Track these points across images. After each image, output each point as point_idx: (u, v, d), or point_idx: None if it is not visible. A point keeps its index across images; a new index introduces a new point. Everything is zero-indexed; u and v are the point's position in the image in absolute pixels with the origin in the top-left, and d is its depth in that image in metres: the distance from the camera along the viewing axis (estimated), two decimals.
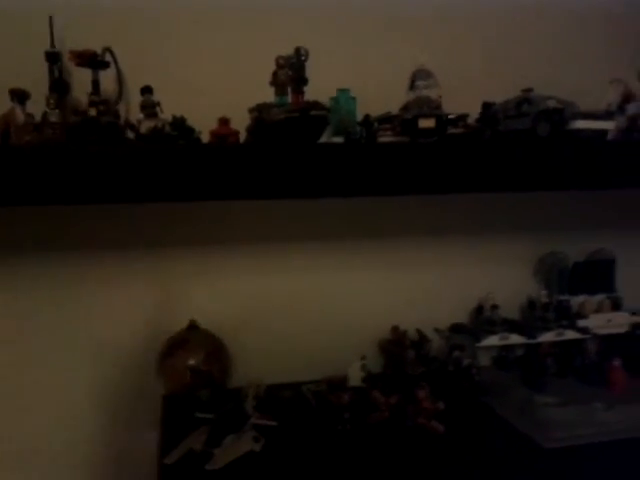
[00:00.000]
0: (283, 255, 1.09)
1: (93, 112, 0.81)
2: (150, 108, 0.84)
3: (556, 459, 0.82)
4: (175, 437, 0.85)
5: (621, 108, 0.97)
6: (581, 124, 0.84)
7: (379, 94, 0.95)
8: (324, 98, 1.00)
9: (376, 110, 0.95)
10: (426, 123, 0.81)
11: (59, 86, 0.87)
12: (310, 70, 0.86)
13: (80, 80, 0.92)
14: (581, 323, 1.09)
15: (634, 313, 1.11)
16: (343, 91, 1.01)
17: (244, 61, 1.03)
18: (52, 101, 0.78)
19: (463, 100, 0.98)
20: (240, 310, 1.08)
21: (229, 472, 0.77)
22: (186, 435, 0.84)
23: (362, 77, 1.05)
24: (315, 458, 0.81)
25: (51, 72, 0.89)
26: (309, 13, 1.06)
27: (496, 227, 1.18)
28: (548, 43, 1.18)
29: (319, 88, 0.93)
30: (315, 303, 1.12)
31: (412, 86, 0.89)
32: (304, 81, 0.82)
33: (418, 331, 1.09)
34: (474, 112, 0.97)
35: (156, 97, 0.88)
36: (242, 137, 0.93)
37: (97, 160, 0.72)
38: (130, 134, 0.85)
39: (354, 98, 1.01)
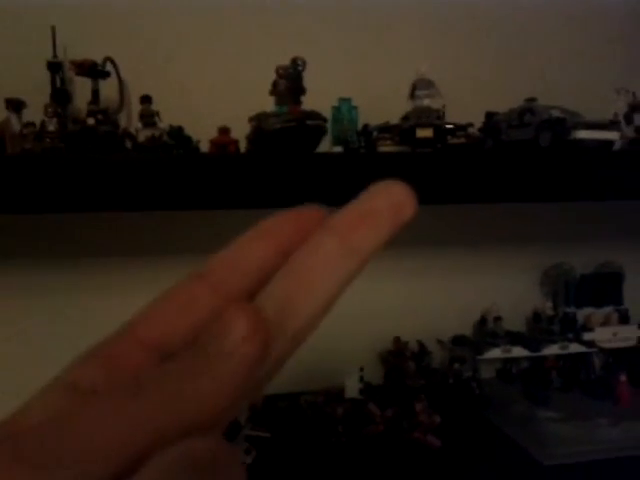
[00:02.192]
0: None
1: (91, 121, 0.82)
2: (149, 117, 0.85)
3: (556, 476, 0.80)
4: None
5: (628, 118, 0.96)
6: (584, 134, 0.82)
7: (382, 104, 0.94)
8: (326, 107, 1.00)
9: (379, 120, 0.94)
10: (423, 133, 0.80)
11: (60, 95, 0.88)
12: (311, 79, 0.86)
13: (84, 89, 0.93)
14: (587, 336, 1.07)
15: None
16: (345, 100, 1.01)
17: (247, 70, 1.03)
18: (50, 110, 0.78)
19: (471, 110, 0.98)
20: None
21: None
22: None
23: (364, 86, 1.05)
24: (307, 471, 0.81)
25: (53, 81, 0.90)
26: (311, 21, 1.06)
27: (502, 238, 1.17)
28: (561, 50, 1.16)
29: (320, 97, 0.93)
30: None
31: (412, 95, 0.88)
32: (301, 91, 0.82)
33: (418, 342, 1.08)
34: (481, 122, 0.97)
35: (157, 106, 0.89)
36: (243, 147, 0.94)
37: (91, 169, 0.73)
38: (129, 143, 0.86)
39: (356, 107, 1.01)
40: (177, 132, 0.84)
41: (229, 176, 0.79)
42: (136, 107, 0.94)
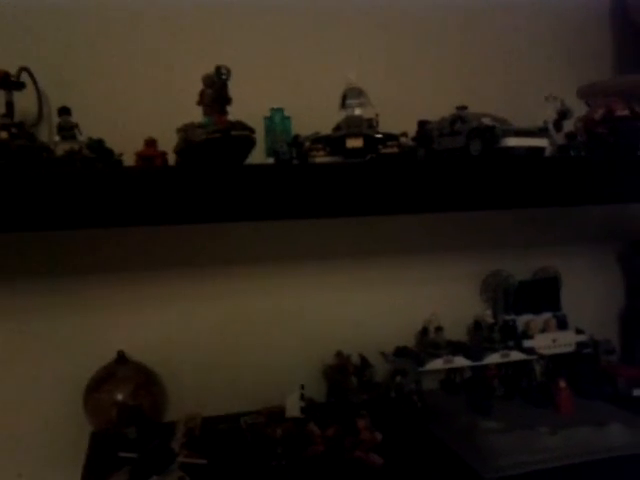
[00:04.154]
0: (215, 281, 1.05)
1: (4, 135, 0.77)
2: (68, 130, 0.80)
3: None
4: (95, 479, 0.79)
5: (557, 125, 0.96)
6: (513, 141, 0.82)
7: (318, 113, 0.92)
8: (259, 118, 0.98)
9: (314, 130, 0.92)
10: (353, 143, 0.78)
11: None
12: (245, 89, 0.84)
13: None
14: (527, 343, 1.07)
15: (579, 331, 1.09)
16: (277, 110, 0.99)
17: (175, 80, 1.00)
18: None
19: (408, 119, 0.97)
20: (173, 339, 1.03)
21: None
22: (106, 477, 0.79)
23: (299, 96, 1.03)
24: None
25: None
26: (240, 31, 1.04)
27: (440, 247, 1.16)
28: (497, 59, 1.18)
29: (255, 108, 0.91)
30: (255, 328, 1.08)
31: (343, 105, 0.87)
32: (227, 101, 0.79)
33: (360, 356, 1.05)
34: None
35: (79, 119, 0.84)
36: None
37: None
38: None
39: (289, 117, 0.99)
40: (97, 145, 0.79)
41: (154, 191, 0.75)
42: (57, 120, 0.90)
